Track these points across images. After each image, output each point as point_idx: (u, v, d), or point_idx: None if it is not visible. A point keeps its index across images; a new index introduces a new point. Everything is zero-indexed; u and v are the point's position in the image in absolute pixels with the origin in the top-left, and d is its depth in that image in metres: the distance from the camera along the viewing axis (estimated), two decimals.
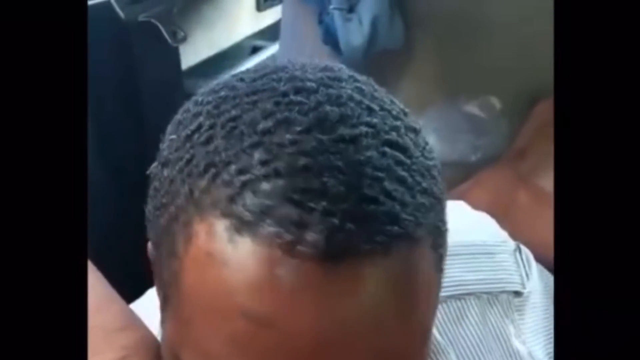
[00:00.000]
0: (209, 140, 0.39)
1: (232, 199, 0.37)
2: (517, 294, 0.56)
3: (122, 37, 1.03)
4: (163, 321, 0.42)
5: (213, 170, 0.38)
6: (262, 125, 0.38)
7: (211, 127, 0.39)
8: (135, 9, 0.98)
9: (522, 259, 0.58)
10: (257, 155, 0.37)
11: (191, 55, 1.23)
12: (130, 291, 0.53)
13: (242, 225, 0.36)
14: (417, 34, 0.81)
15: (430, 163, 0.40)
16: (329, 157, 0.37)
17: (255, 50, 1.42)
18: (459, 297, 0.54)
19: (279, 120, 0.38)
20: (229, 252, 0.37)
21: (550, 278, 0.61)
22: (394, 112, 0.41)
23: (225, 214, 0.37)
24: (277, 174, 0.36)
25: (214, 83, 0.43)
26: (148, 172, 0.42)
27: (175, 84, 1.16)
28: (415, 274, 0.39)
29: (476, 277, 0.55)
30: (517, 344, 0.55)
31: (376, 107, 0.40)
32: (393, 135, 0.39)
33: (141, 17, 0.99)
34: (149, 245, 0.44)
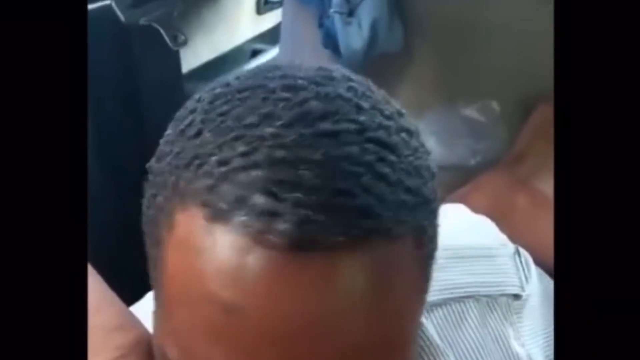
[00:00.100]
0: (197, 134, 0.40)
1: (210, 189, 0.38)
2: (517, 297, 0.56)
3: (122, 40, 1.03)
4: (154, 312, 0.43)
5: (197, 161, 0.39)
6: (247, 120, 0.39)
7: (202, 122, 0.40)
8: (136, 12, 0.98)
9: (521, 262, 0.58)
10: (239, 147, 0.38)
11: (192, 58, 1.23)
12: (130, 291, 0.54)
13: (217, 214, 0.37)
14: (416, 37, 0.81)
15: (421, 163, 0.41)
16: (308, 150, 0.37)
17: (255, 53, 1.42)
18: (458, 299, 0.54)
19: (264, 115, 0.39)
20: (205, 241, 0.38)
21: (549, 281, 0.61)
22: (387, 112, 0.41)
23: (204, 203, 0.38)
24: (254, 165, 0.37)
25: (215, 82, 0.43)
26: (147, 165, 0.43)
27: (175, 87, 1.16)
28: (390, 270, 0.39)
29: (475, 280, 0.55)
30: (516, 346, 0.55)
31: (366, 106, 0.40)
32: (380, 134, 0.39)
33: (142, 21, 0.99)
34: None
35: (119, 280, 0.52)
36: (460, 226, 0.60)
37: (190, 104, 0.42)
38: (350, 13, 0.79)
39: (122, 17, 0.97)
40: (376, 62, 0.79)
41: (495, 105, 0.82)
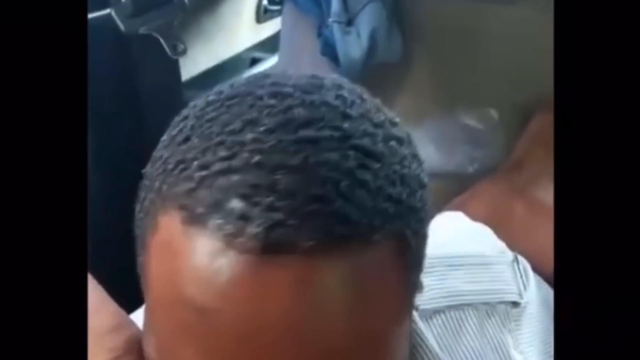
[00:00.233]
0: (186, 140, 0.40)
1: (189, 193, 0.38)
2: (515, 304, 0.56)
3: (122, 49, 1.03)
4: (144, 309, 0.44)
5: (182, 166, 0.39)
6: (232, 126, 0.39)
7: (192, 128, 0.41)
8: (135, 22, 0.98)
9: (519, 270, 0.58)
10: (220, 152, 0.38)
11: (191, 66, 1.23)
12: (129, 291, 0.54)
13: (194, 218, 0.38)
14: (415, 46, 0.82)
15: (408, 172, 0.40)
16: (286, 155, 0.37)
17: (254, 61, 1.42)
18: (457, 307, 0.54)
19: (247, 121, 0.39)
20: (182, 244, 0.38)
21: (547, 288, 0.61)
22: (376, 120, 0.41)
23: (182, 207, 0.38)
24: (233, 170, 0.37)
25: (212, 90, 0.44)
26: (143, 170, 0.43)
27: (175, 96, 1.16)
28: (365, 275, 0.38)
29: (474, 288, 0.55)
30: (515, 354, 0.55)
31: (354, 114, 0.40)
32: (364, 141, 0.39)
33: (142, 30, 0.99)
34: None
35: (117, 281, 0.52)
36: (458, 234, 0.60)
37: (184, 111, 0.43)
38: (349, 22, 0.79)
39: (121, 27, 0.97)
40: (375, 71, 0.80)
41: (493, 112, 0.83)
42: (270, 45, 1.37)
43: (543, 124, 0.79)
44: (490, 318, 0.55)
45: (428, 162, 0.44)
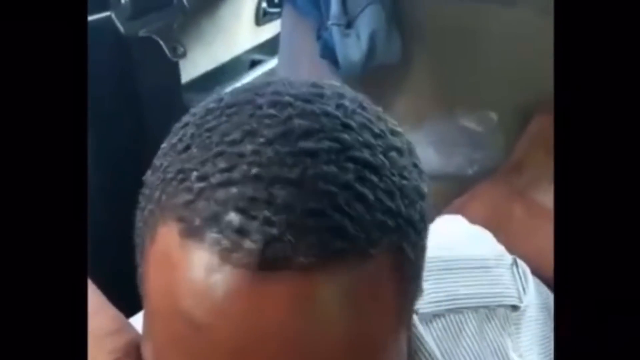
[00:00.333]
0: (186, 149, 0.40)
1: (187, 204, 0.38)
2: (515, 308, 0.56)
3: (122, 51, 1.03)
4: (143, 316, 0.44)
5: (181, 176, 0.39)
6: (231, 136, 0.39)
7: (192, 136, 0.40)
8: (135, 24, 0.98)
9: (519, 273, 0.58)
10: (219, 163, 0.38)
11: (190, 69, 1.23)
12: (129, 291, 0.53)
13: (191, 231, 0.38)
14: (414, 48, 0.82)
15: (408, 184, 0.40)
16: (283, 168, 0.37)
17: (254, 64, 1.42)
18: (456, 311, 0.54)
19: (247, 132, 0.39)
20: (178, 256, 0.38)
21: (546, 292, 0.61)
22: (376, 131, 0.40)
23: (180, 219, 0.38)
24: (231, 182, 0.37)
25: (213, 96, 0.43)
26: (143, 177, 0.43)
27: (174, 98, 1.16)
28: (362, 290, 0.38)
29: (474, 291, 0.55)
30: (514, 358, 0.55)
31: (354, 124, 0.40)
32: (364, 153, 0.39)
33: (141, 33, 0.99)
34: None
35: (118, 283, 0.52)
36: (458, 237, 0.60)
37: (185, 118, 0.43)
38: (349, 25, 0.79)
39: (121, 29, 0.97)
40: (374, 73, 0.80)
41: (493, 115, 0.83)
42: (269, 47, 1.38)
43: (543, 125, 0.79)
44: (489, 321, 0.55)
45: (427, 165, 0.44)
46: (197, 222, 0.37)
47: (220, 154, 0.38)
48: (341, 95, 0.42)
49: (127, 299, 0.53)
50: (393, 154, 0.40)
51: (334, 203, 0.37)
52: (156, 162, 0.42)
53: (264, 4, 1.37)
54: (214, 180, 0.38)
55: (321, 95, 0.41)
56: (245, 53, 1.40)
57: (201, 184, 0.38)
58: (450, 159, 0.81)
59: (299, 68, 0.91)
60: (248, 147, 0.38)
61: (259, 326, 0.37)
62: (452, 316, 0.54)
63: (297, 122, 0.39)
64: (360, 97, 0.43)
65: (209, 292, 0.37)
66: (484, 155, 0.82)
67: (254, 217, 0.36)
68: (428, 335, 0.52)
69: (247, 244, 0.36)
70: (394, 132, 0.42)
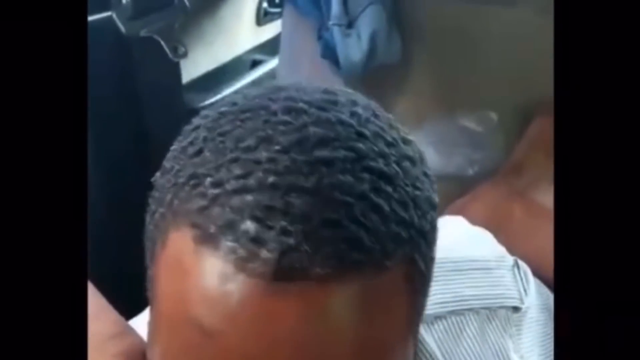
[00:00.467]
0: (198, 153, 0.39)
1: (202, 211, 0.38)
2: (516, 309, 0.56)
3: (123, 51, 1.03)
4: (149, 321, 0.43)
5: (194, 181, 0.39)
6: (246, 142, 0.38)
7: (204, 140, 0.40)
8: (136, 24, 0.98)
9: (520, 275, 0.58)
10: (234, 170, 0.38)
11: (191, 69, 1.23)
12: (128, 292, 0.54)
13: (205, 238, 0.37)
14: (415, 48, 0.82)
15: (420, 194, 0.40)
16: (299, 177, 0.37)
17: (255, 64, 1.42)
18: (458, 312, 0.54)
19: (262, 138, 0.38)
20: (192, 263, 0.38)
21: (547, 293, 0.62)
22: (389, 139, 0.40)
23: (194, 225, 0.38)
24: (247, 189, 0.37)
25: (224, 99, 0.43)
26: (152, 179, 0.43)
27: (175, 98, 1.16)
28: (375, 302, 0.38)
29: (475, 293, 0.55)
30: (516, 359, 0.55)
31: (368, 133, 0.39)
32: (378, 163, 0.39)
33: (142, 33, 0.99)
34: None
35: (118, 283, 0.52)
36: (459, 239, 0.60)
37: (196, 120, 0.42)
38: (350, 25, 0.79)
39: (122, 29, 0.98)
40: (375, 73, 0.80)
41: (493, 115, 0.83)
42: (270, 47, 1.38)
43: (543, 126, 0.79)
44: (491, 323, 0.55)
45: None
46: (212, 229, 0.37)
47: (235, 160, 0.38)
48: (354, 103, 0.41)
49: (127, 301, 0.53)
50: (406, 163, 0.40)
51: (350, 214, 0.37)
52: (166, 164, 0.41)
53: (265, 4, 1.37)
54: (229, 186, 0.37)
55: (335, 103, 0.41)
56: (246, 53, 1.40)
57: (216, 190, 0.37)
58: (450, 159, 0.81)
59: (299, 68, 0.91)
60: (263, 154, 0.38)
61: (272, 335, 0.37)
62: (453, 318, 0.54)
63: (312, 130, 0.38)
64: (373, 104, 0.43)
65: (222, 300, 0.37)
66: (484, 155, 0.82)
67: (270, 227, 0.36)
68: (429, 336, 0.52)
69: (264, 253, 0.36)
70: (405, 141, 0.41)
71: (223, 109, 0.41)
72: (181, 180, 0.39)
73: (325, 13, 0.82)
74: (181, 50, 1.02)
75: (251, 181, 0.37)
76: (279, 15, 1.17)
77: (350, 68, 0.79)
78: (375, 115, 0.41)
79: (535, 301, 0.59)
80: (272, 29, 1.39)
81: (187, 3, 1.04)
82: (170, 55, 1.01)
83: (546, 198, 0.73)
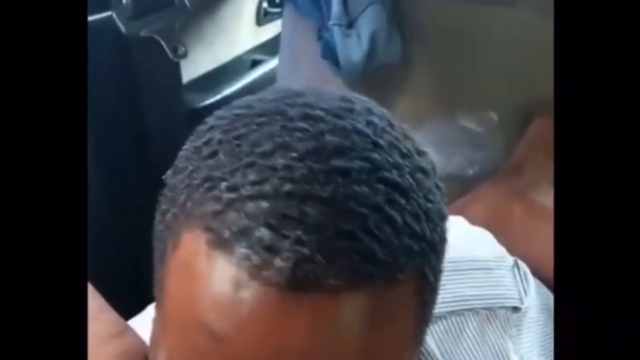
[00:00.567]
0: (212, 155, 0.39)
1: (216, 215, 0.37)
2: (516, 309, 0.57)
3: (123, 51, 1.03)
4: (154, 319, 0.43)
5: (209, 184, 0.38)
6: (262, 147, 0.38)
7: (219, 142, 0.40)
8: (136, 24, 0.98)
9: (520, 275, 0.58)
10: (250, 175, 0.38)
11: (191, 69, 1.23)
12: (128, 292, 0.54)
13: (219, 242, 0.37)
14: (415, 49, 0.82)
15: (432, 207, 0.40)
16: (315, 186, 0.37)
17: (255, 64, 1.42)
18: (457, 313, 0.54)
19: (278, 144, 0.38)
20: (204, 267, 0.38)
21: (547, 293, 0.62)
22: (404, 150, 0.40)
23: (208, 229, 0.37)
24: (262, 196, 0.37)
25: (240, 101, 0.43)
26: (163, 177, 0.43)
27: (175, 98, 1.16)
28: (385, 315, 0.38)
29: (475, 293, 0.55)
30: (515, 359, 0.56)
31: (383, 143, 0.39)
32: (393, 174, 0.39)
33: (143, 33, 0.99)
34: None
35: (118, 283, 0.52)
36: (459, 239, 0.60)
37: (210, 120, 0.42)
38: (350, 25, 0.79)
39: (123, 29, 0.98)
40: (375, 73, 0.80)
41: (493, 115, 0.83)
42: (270, 47, 1.38)
43: (543, 127, 0.79)
44: (491, 323, 0.55)
45: None
46: (226, 234, 0.37)
47: (250, 165, 0.38)
48: (370, 111, 0.41)
49: (127, 300, 0.53)
50: (419, 175, 0.40)
51: (365, 225, 0.37)
52: (179, 164, 0.41)
53: (265, 4, 1.37)
54: (244, 192, 0.37)
55: (351, 111, 0.41)
56: (246, 53, 1.40)
57: (231, 195, 0.37)
58: (450, 159, 0.81)
59: (299, 68, 0.92)
60: (280, 161, 0.37)
61: (281, 344, 0.37)
62: (453, 318, 0.54)
63: (328, 138, 0.38)
64: (387, 113, 0.42)
65: (234, 306, 0.37)
66: (484, 155, 0.82)
67: (285, 236, 0.36)
68: (429, 337, 0.52)
69: (278, 262, 0.36)
70: (419, 152, 0.41)
71: (238, 111, 0.41)
72: (195, 182, 0.39)
73: (325, 13, 0.82)
74: (181, 50, 1.02)
75: (267, 188, 0.37)
76: (279, 15, 1.17)
77: (350, 68, 0.80)
78: (391, 125, 0.41)
79: (535, 301, 0.59)
80: (272, 29, 1.39)
81: (187, 3, 1.04)
82: (170, 55, 1.01)
83: (546, 198, 0.73)
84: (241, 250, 0.36)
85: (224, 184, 0.38)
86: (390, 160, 0.39)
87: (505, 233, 0.62)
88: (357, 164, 0.38)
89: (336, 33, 0.80)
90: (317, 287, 0.36)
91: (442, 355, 0.53)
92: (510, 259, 0.59)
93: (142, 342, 0.49)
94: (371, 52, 0.79)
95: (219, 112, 0.42)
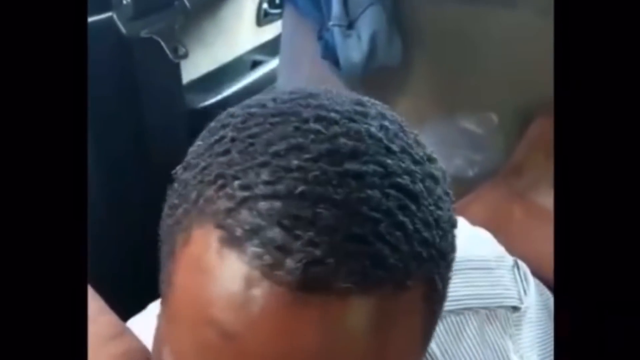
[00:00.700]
0: (225, 152, 0.39)
1: (229, 212, 0.37)
2: (515, 309, 0.57)
3: (123, 52, 1.03)
4: (159, 315, 0.43)
5: (221, 181, 0.38)
6: (275, 147, 0.38)
7: (232, 140, 0.40)
8: (137, 25, 0.98)
9: (519, 275, 0.58)
10: (263, 174, 0.38)
11: (192, 69, 1.23)
12: (128, 292, 0.54)
13: (231, 240, 0.37)
14: (415, 50, 0.82)
15: (442, 214, 0.40)
16: (328, 188, 0.37)
17: (255, 64, 1.42)
18: (457, 312, 0.54)
19: (292, 145, 0.38)
20: (215, 264, 0.38)
21: (547, 293, 0.62)
22: (417, 157, 0.40)
23: (220, 226, 0.38)
24: (275, 196, 0.37)
25: (252, 99, 0.43)
26: (173, 172, 0.43)
27: (176, 98, 1.16)
28: (392, 321, 0.38)
29: (474, 293, 0.55)
30: (515, 359, 0.56)
31: (396, 148, 0.40)
32: (405, 180, 0.39)
33: (143, 33, 0.99)
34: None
35: (117, 282, 0.52)
36: (459, 239, 0.60)
37: (223, 117, 0.42)
38: (350, 26, 0.79)
39: (123, 30, 0.98)
40: (375, 74, 0.80)
41: (493, 116, 0.83)
42: (271, 48, 1.38)
43: (543, 128, 0.79)
44: (490, 323, 0.55)
45: None
46: (239, 232, 0.37)
47: (264, 165, 0.38)
48: (383, 116, 0.41)
49: (127, 300, 0.53)
50: (430, 182, 0.40)
51: (376, 230, 0.37)
52: (191, 160, 0.41)
53: (265, 5, 1.37)
54: (258, 191, 0.37)
55: (365, 115, 0.41)
56: (246, 54, 1.40)
57: (244, 193, 0.37)
58: (450, 160, 0.81)
59: (300, 69, 0.92)
60: (294, 162, 0.38)
61: (290, 343, 0.37)
62: (452, 317, 0.54)
63: (342, 141, 0.38)
64: (399, 117, 0.43)
65: (245, 304, 0.37)
66: (484, 156, 0.82)
67: (297, 236, 0.36)
68: None
69: (289, 262, 0.36)
70: (430, 159, 0.41)
71: (252, 110, 0.41)
72: (208, 178, 0.39)
73: (325, 14, 0.82)
74: (181, 50, 1.02)
75: (280, 187, 0.37)
76: (279, 16, 1.17)
77: (351, 69, 0.80)
78: (403, 130, 0.41)
79: (535, 301, 0.59)
80: (272, 30, 1.39)
81: (187, 4, 1.04)
82: (170, 55, 1.01)
83: (546, 199, 0.73)
84: (253, 248, 0.37)
85: (236, 182, 0.38)
86: (403, 165, 0.39)
87: (505, 234, 0.62)
88: (370, 168, 0.38)
89: (336, 34, 0.80)
90: (326, 289, 0.36)
91: (443, 354, 0.53)
92: (510, 259, 0.59)
93: (141, 344, 0.49)
94: (371, 53, 0.79)
95: (231, 110, 0.42)
